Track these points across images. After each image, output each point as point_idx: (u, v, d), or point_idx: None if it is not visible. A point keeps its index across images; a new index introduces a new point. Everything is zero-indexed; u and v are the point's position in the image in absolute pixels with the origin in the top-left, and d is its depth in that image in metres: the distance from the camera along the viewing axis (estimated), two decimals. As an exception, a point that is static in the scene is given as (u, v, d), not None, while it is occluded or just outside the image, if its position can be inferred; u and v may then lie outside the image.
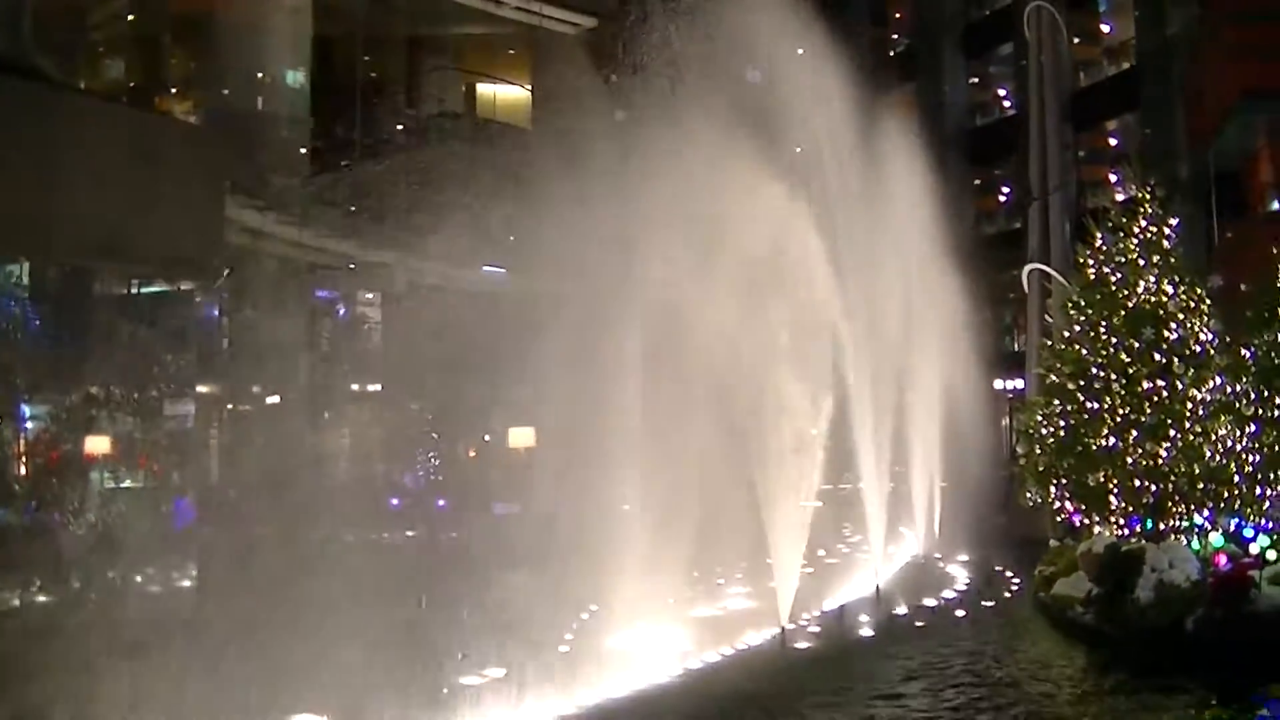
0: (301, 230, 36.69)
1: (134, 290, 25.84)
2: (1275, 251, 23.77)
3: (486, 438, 59.39)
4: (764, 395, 21.71)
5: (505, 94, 64.91)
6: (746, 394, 21.88)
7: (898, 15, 73.94)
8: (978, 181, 66.28)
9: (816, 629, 22.96)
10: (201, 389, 30.56)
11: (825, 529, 31.13)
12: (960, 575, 28.43)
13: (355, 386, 57.31)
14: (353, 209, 49.28)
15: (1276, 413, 22.28)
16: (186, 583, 25.45)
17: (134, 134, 25.90)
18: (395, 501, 46.57)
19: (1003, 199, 64.52)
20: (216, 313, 36.54)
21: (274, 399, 38.61)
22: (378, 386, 55.85)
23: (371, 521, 41.42)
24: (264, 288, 38.72)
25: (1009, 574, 29.94)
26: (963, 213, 55.50)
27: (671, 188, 23.60)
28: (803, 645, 21.53)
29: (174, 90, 54.95)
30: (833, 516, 31.02)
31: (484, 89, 66.23)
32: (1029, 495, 28.33)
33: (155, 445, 27.19)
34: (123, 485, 27.34)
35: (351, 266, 41.13)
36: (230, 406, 37.94)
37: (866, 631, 22.89)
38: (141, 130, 26.92)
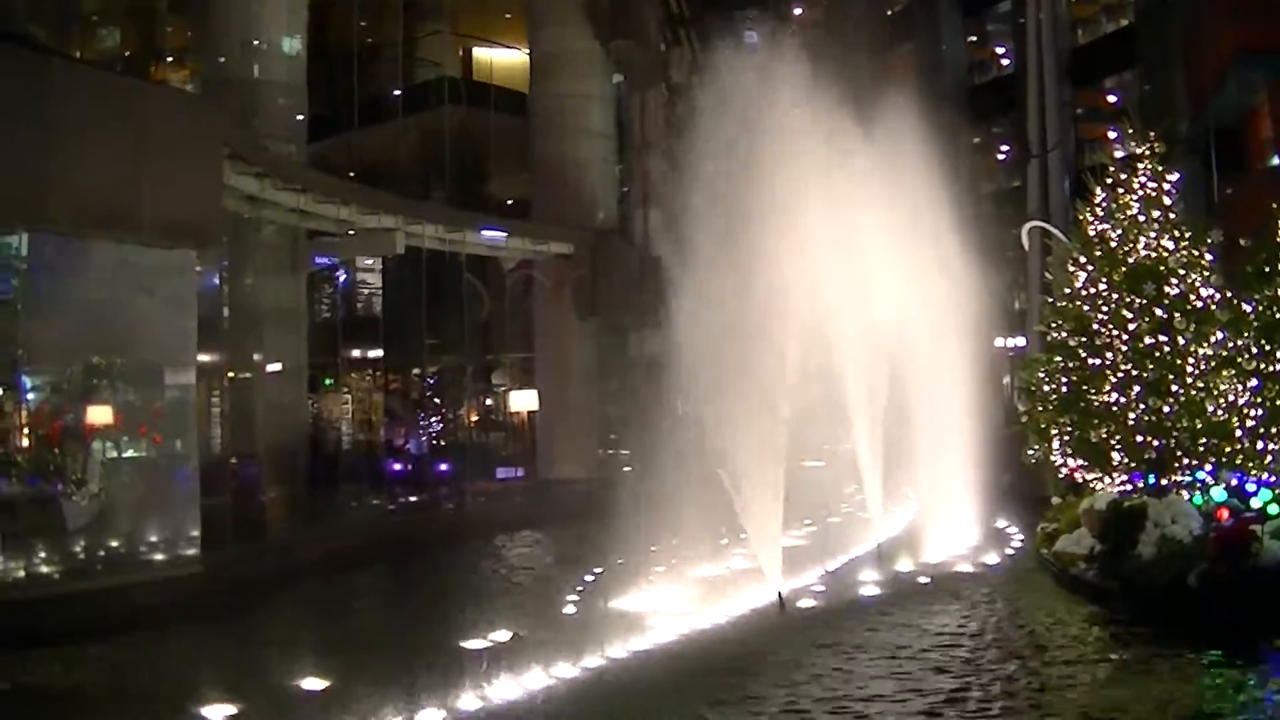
0: (300, 196, 36.61)
1: (134, 260, 25.79)
2: (1275, 206, 23.73)
3: (489, 402, 59.60)
4: (764, 356, 21.65)
5: (502, 58, 64.84)
6: (746, 353, 21.84)
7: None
8: (977, 139, 66.10)
9: (820, 588, 23.02)
10: (202, 357, 30.53)
11: (829, 489, 31.24)
12: (964, 532, 28.46)
13: (356, 353, 57.48)
14: (351, 174, 49.25)
15: (1277, 367, 22.28)
16: (191, 551, 25.49)
17: (130, 103, 25.79)
18: (397, 467, 46.71)
19: (1002, 157, 64.37)
20: (216, 280, 36.48)
21: (275, 366, 38.60)
22: (379, 352, 56.04)
23: (373, 487, 41.61)
24: (263, 255, 38.70)
25: (1012, 530, 30.00)
26: (961, 170, 55.38)
27: (669, 146, 23.56)
28: (806, 604, 21.58)
29: (170, 59, 54.91)
30: (835, 477, 31.08)
31: (480, 53, 66.14)
32: (1031, 452, 28.38)
33: (156, 414, 27.15)
34: (125, 455, 27.31)
35: (351, 232, 41.04)
36: (231, 375, 37.93)
37: (869, 590, 22.94)
38: (137, 99, 26.78)
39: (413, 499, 41.40)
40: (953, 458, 28.63)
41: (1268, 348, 22.37)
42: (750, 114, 22.93)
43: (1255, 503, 21.14)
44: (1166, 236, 24.46)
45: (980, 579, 24.09)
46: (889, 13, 72.51)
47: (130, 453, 27.45)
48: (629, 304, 40.85)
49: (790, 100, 23.56)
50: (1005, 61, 65.26)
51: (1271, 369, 22.37)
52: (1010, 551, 27.45)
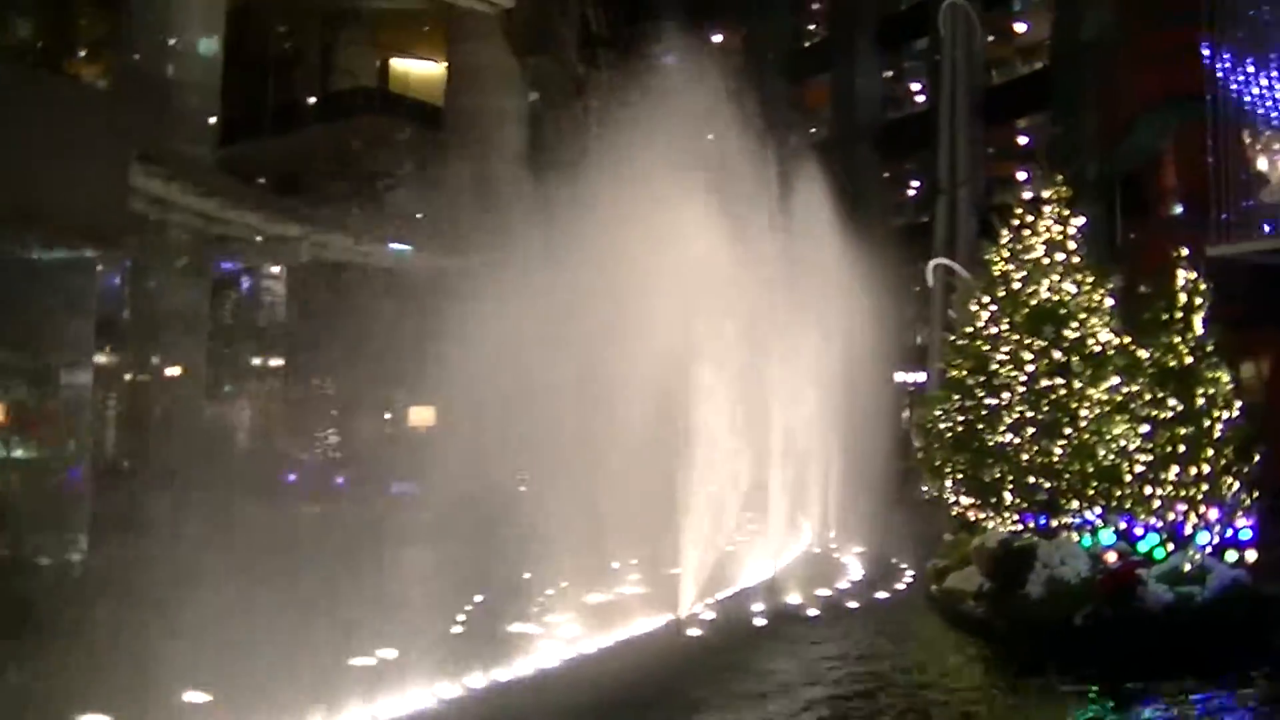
0: (208, 201, 36.34)
1: (35, 257, 25.44)
2: (1175, 254, 24.01)
3: (387, 415, 59.24)
4: (666, 380, 21.71)
5: (419, 70, 64.66)
6: (650, 380, 21.89)
7: (815, 5, 74.07)
8: (888, 174, 66.57)
9: (710, 616, 23.03)
10: (100, 359, 30.22)
11: (726, 516, 31.27)
12: (856, 566, 28.58)
13: (257, 360, 57.04)
14: (262, 180, 48.96)
15: (1169, 414, 22.51)
16: (76, 556, 25.18)
17: (38, 97, 25.46)
18: (292, 477, 46.34)
19: (912, 192, 64.86)
20: (118, 281, 36.14)
21: (174, 370, 38.25)
22: (279, 361, 55.66)
23: (268, 496, 41.22)
24: (168, 258, 38.38)
25: (903, 566, 30.17)
26: (872, 204, 55.71)
27: (582, 173, 23.56)
28: (695, 633, 21.59)
29: (83, 53, 54.35)
30: (732, 504, 31.12)
31: (398, 65, 65.94)
32: (925, 489, 28.56)
33: (50, 414, 26.82)
34: (14, 455, 26.96)
35: (258, 239, 40.78)
36: (129, 377, 37.59)
37: (760, 620, 22.97)
38: (43, 93, 26.45)
39: (307, 510, 41.05)
40: (848, 491, 28.79)
41: (1161, 395, 22.60)
42: (662, 139, 23.01)
43: (1142, 547, 21.47)
44: (1068, 280, 24.72)
45: (869, 613, 24.20)
46: (806, 44, 72.89)
47: (19, 453, 27.08)
48: (531, 323, 40.50)
49: (703, 128, 23.66)
50: (920, 98, 65.76)
51: (1164, 416, 22.60)
52: (901, 587, 27.58)
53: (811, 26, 74.68)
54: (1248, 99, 38.17)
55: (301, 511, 40.32)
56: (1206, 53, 37.73)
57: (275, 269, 58.00)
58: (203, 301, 40.82)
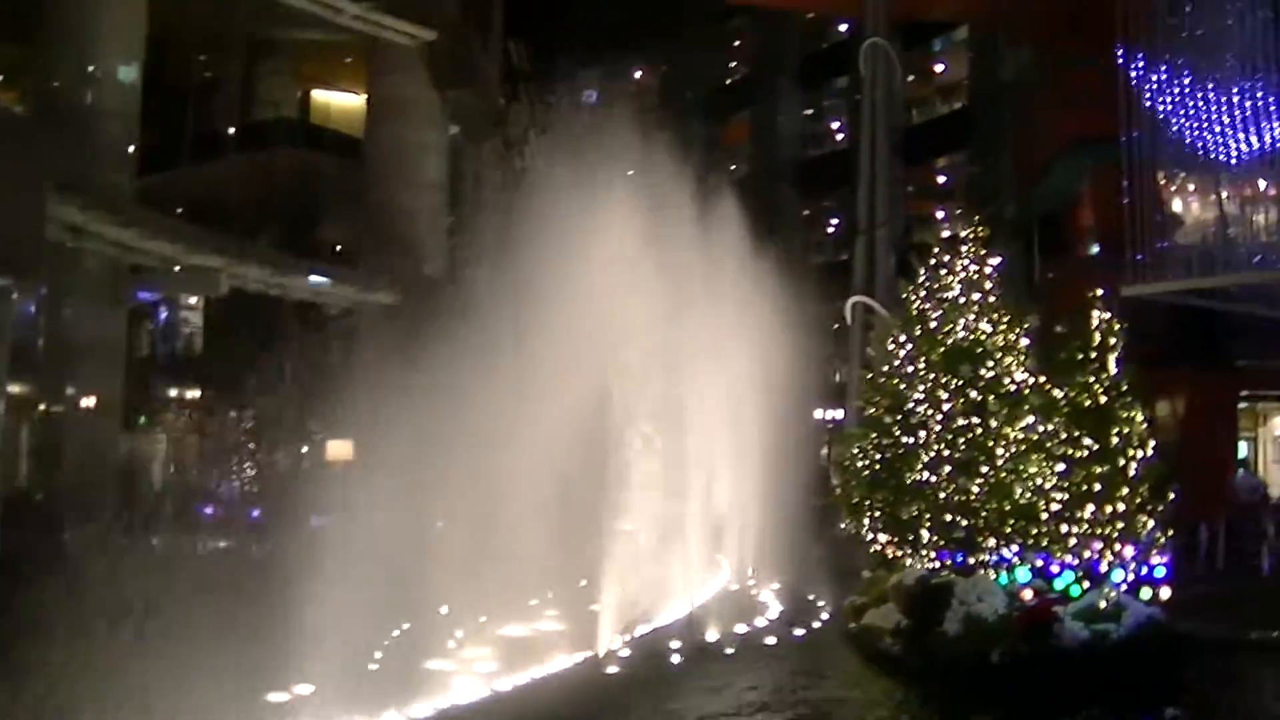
0: (125, 230, 36.02)
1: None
2: (1090, 294, 24.24)
3: (305, 449, 58.82)
4: (584, 418, 21.72)
5: (340, 102, 64.50)
6: (568, 416, 21.90)
7: (737, 43, 74.49)
8: (808, 211, 66.95)
9: (628, 653, 22.97)
10: (14, 388, 29.88)
11: (643, 553, 31.22)
12: (774, 603, 28.60)
13: (174, 392, 56.62)
14: (180, 210, 48.60)
15: (1085, 453, 22.69)
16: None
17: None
18: (209, 510, 45.91)
19: (832, 230, 65.24)
20: (33, 310, 35.76)
21: (89, 401, 37.85)
22: (196, 392, 55.25)
23: (183, 529, 40.80)
24: (84, 287, 38.00)
25: (821, 603, 30.21)
26: (791, 242, 55.97)
27: (500, 209, 23.60)
28: (613, 670, 21.53)
29: (1, 77, 53.81)
30: (651, 541, 31.08)
31: (319, 96, 65.73)
32: (843, 526, 28.64)
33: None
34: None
35: (176, 269, 40.45)
36: (43, 407, 37.18)
37: (677, 657, 22.93)
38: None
39: (223, 544, 40.65)
40: (767, 527, 28.82)
41: (1076, 434, 22.78)
42: (582, 175, 23.05)
43: (1058, 584, 21.63)
44: (985, 319, 24.87)
45: (787, 650, 24.22)
46: (726, 82, 73.26)
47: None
48: (451, 359, 40.40)
49: (623, 164, 23.72)
50: (840, 136, 66.22)
51: (1079, 454, 22.77)
52: (818, 624, 27.61)
53: (732, 64, 75.12)
54: (1162, 141, 38.63)
55: (216, 545, 39.93)
56: (1122, 95, 38.16)
57: (193, 299, 57.63)
58: (119, 332, 40.41)
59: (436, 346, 23.77)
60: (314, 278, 45.60)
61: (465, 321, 24.57)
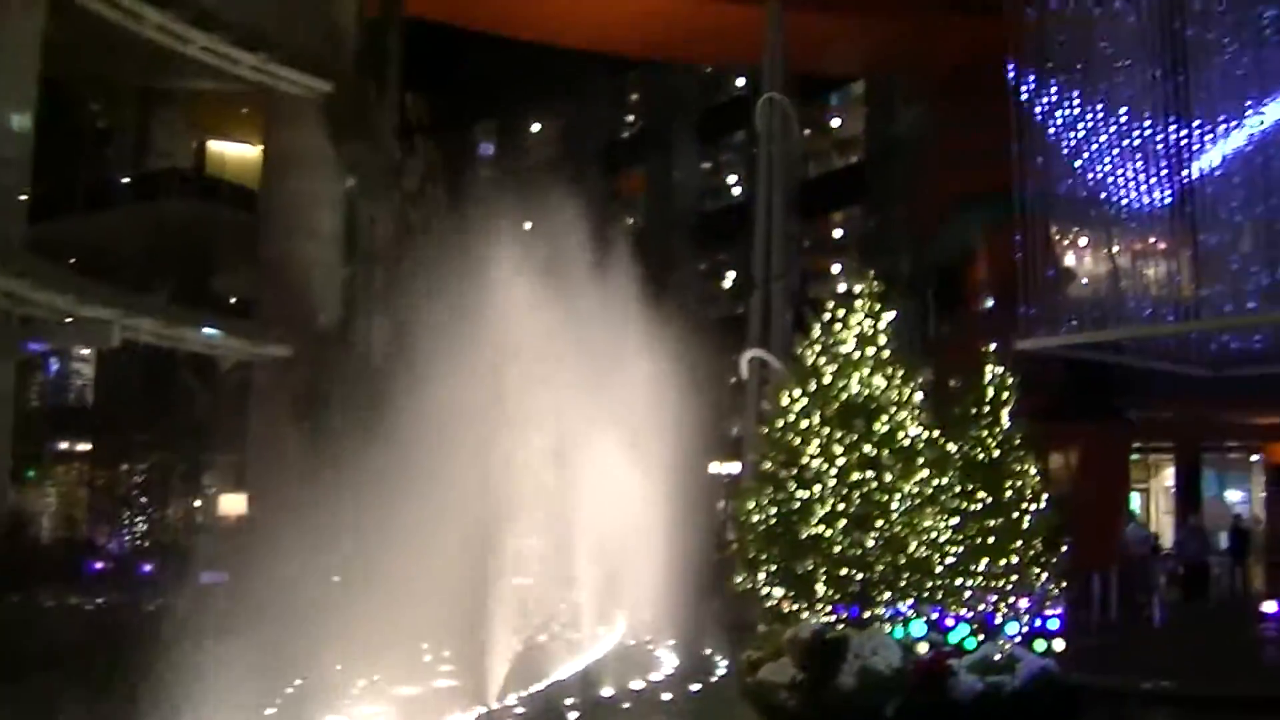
0: (16, 280, 35.55)
1: None
2: (984, 349, 24.44)
3: (198, 503, 58.29)
4: (476, 472, 21.62)
5: (236, 152, 64.16)
6: (461, 469, 21.78)
7: (635, 96, 74.76)
8: (705, 265, 67.18)
9: (521, 710, 22.80)
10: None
11: (539, 607, 31.04)
12: (670, 658, 28.50)
13: (64, 444, 55.87)
14: (73, 260, 48.04)
15: (978, 506, 22.84)
16: None
17: None
18: (98, 565, 45.32)
19: (728, 284, 65.47)
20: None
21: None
22: (87, 445, 54.54)
23: (71, 585, 40.22)
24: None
25: (718, 658, 30.12)
26: (688, 295, 56.10)
27: (394, 261, 23.53)
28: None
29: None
30: (545, 595, 30.91)
31: (215, 146, 65.37)
32: (739, 580, 28.57)
33: None
34: None
35: (67, 320, 39.94)
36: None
37: (572, 713, 22.80)
38: None
39: (111, 599, 40.12)
40: (663, 582, 28.72)
41: (970, 487, 22.92)
42: (477, 227, 23.01)
43: (953, 637, 21.77)
44: (879, 374, 24.93)
45: (682, 705, 24.14)
46: (624, 134, 73.48)
47: None
48: (345, 412, 40.41)
49: (519, 216, 23.70)
50: (737, 190, 66.56)
51: (973, 508, 22.91)
52: (715, 679, 27.53)
53: (630, 118, 75.35)
54: (1055, 195, 39.06)
55: (104, 601, 39.41)
56: (1015, 150, 38.56)
57: (85, 350, 56.99)
58: (8, 383, 39.86)
59: (331, 399, 23.63)
60: (207, 330, 45.15)
61: (359, 375, 24.45)
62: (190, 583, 44.17)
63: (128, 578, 43.45)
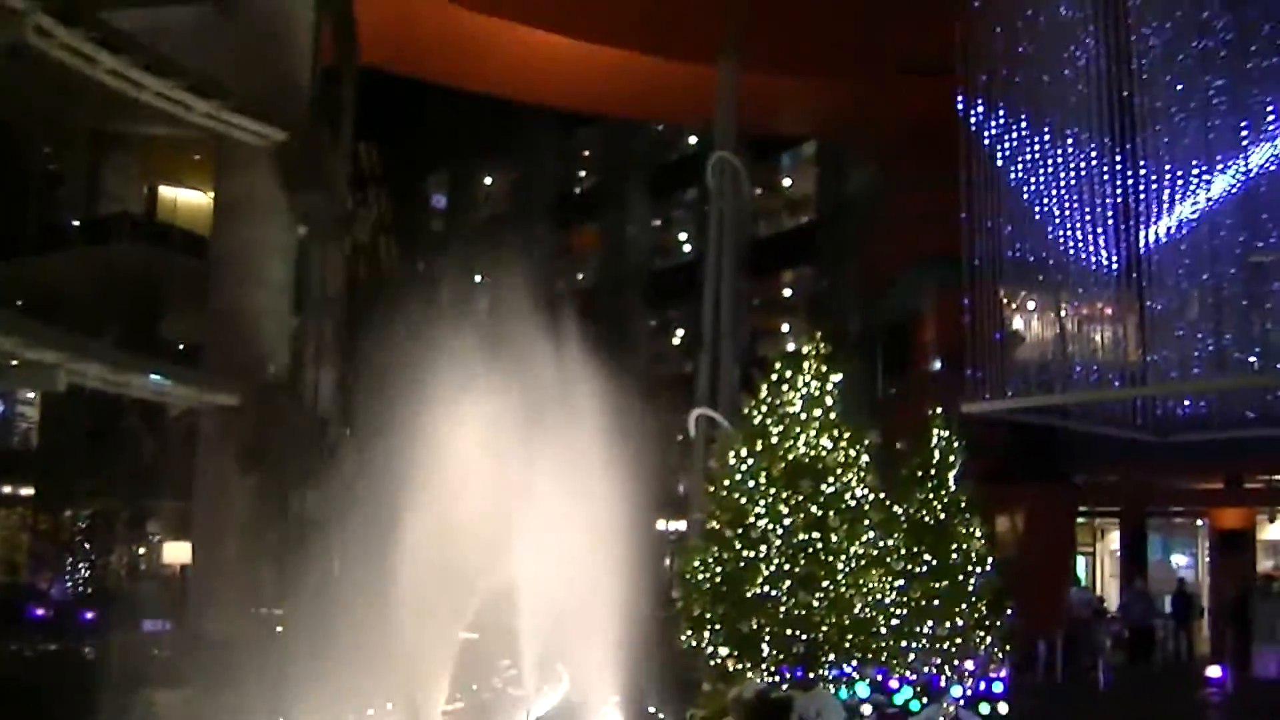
0: (-42, 323, 35.37)
1: None
2: (931, 411, 24.54)
3: (142, 550, 57.85)
4: (420, 526, 21.54)
5: (187, 199, 63.96)
6: (404, 523, 21.70)
7: (587, 152, 74.97)
8: (655, 322, 67.25)
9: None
10: None
11: (482, 664, 30.85)
12: (614, 716, 28.35)
13: (6, 489, 55.43)
14: (20, 303, 47.73)
15: (924, 568, 22.88)
16: None
17: None
18: (39, 612, 44.88)
19: (678, 341, 65.54)
20: None
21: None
22: (29, 490, 54.10)
23: (9, 632, 39.79)
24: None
25: (662, 716, 29.97)
26: (637, 352, 56.13)
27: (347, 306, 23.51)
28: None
29: None
30: (490, 651, 30.72)
31: (166, 191, 65.13)
32: (684, 638, 28.48)
33: None
34: None
35: (12, 363, 39.64)
36: None
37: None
38: None
39: (51, 647, 39.70)
40: (608, 639, 28.57)
41: (916, 549, 22.97)
42: (426, 279, 23.02)
43: (898, 699, 21.77)
44: (826, 435, 24.97)
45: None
46: (576, 190, 73.64)
47: None
48: (291, 462, 40.12)
49: (469, 268, 23.72)
50: (688, 248, 66.73)
51: (918, 570, 22.96)
52: (659, 738, 27.41)
53: (582, 173, 75.55)
54: (1003, 259, 39.32)
55: (44, 647, 39.03)
56: (964, 211, 38.82)
57: (30, 394, 56.62)
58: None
59: (278, 449, 23.55)
60: (155, 377, 44.82)
61: (307, 425, 24.36)
62: (133, 631, 43.82)
63: (70, 624, 43.02)
